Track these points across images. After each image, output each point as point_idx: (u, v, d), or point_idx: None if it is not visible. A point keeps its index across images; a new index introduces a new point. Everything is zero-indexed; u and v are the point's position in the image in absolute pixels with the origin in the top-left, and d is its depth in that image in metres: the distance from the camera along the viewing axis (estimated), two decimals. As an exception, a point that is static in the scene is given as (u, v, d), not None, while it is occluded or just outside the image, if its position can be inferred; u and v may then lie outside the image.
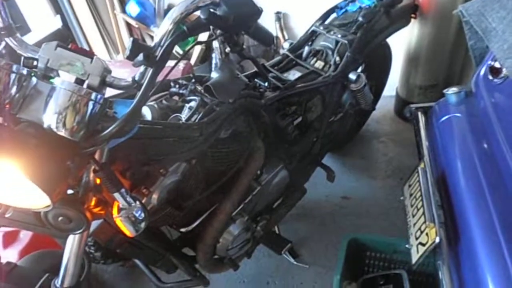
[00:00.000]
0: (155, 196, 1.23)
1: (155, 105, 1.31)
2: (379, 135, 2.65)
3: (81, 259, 1.12)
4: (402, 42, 2.47)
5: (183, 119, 1.27)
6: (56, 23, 2.40)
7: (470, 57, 2.37)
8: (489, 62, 1.50)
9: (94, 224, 1.14)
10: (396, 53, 2.38)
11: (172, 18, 0.88)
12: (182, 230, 1.49)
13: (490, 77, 1.47)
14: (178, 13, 0.88)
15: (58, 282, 1.13)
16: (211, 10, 0.93)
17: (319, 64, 1.85)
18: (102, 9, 2.84)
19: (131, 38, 0.88)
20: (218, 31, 1.04)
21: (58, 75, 0.91)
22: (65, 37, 2.00)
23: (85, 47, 3.00)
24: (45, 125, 0.81)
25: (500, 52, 1.35)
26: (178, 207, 1.33)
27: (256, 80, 1.63)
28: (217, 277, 1.88)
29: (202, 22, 0.93)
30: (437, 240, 1.21)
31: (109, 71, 0.96)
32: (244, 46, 1.15)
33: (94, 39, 2.95)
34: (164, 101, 1.34)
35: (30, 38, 1.83)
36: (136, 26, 2.81)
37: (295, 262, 1.90)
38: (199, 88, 1.36)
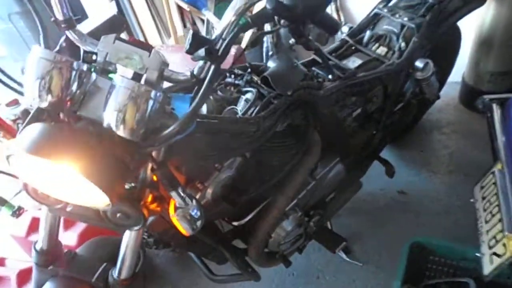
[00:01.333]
0: (209, 191, 1.20)
1: (210, 97, 1.26)
2: (441, 125, 2.46)
3: (137, 253, 1.12)
4: (472, 23, 2.23)
5: (239, 112, 1.22)
6: (111, 9, 2.41)
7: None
8: None
9: (150, 218, 1.13)
10: (465, 35, 2.16)
11: (235, 8, 0.81)
12: (235, 223, 1.46)
13: None
14: (242, 3, 0.81)
15: (115, 273, 1.14)
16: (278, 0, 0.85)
17: (382, 50, 1.71)
18: (154, -7, 2.84)
19: (191, 31, 0.82)
20: (283, 21, 0.96)
21: (116, 69, 0.88)
22: (120, 23, 2.01)
23: (138, 31, 3.02)
24: (104, 124, 0.78)
25: None
26: (232, 202, 1.29)
27: (314, 68, 1.53)
28: (267, 269, 1.85)
29: (268, 13, 0.85)
30: (519, 253, 1.09)
31: (167, 65, 0.92)
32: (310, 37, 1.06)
33: (147, 23, 2.97)
34: (219, 92, 1.29)
35: (87, 25, 1.84)
36: (188, 9, 2.77)
37: (347, 259, 1.83)
38: (255, 78, 1.29)
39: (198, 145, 1.07)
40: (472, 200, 1.44)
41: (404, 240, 1.86)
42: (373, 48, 1.73)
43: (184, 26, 2.97)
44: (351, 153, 1.69)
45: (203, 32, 2.90)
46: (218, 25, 0.84)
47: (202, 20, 2.86)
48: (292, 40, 1.11)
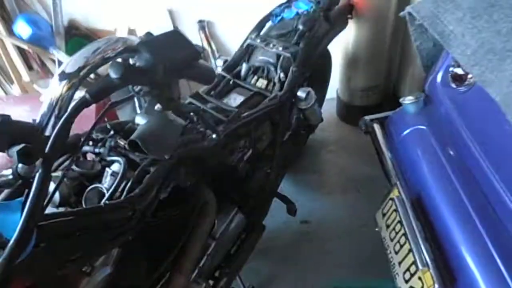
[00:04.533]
0: (80, 304, 0.90)
1: (64, 178, 0.95)
2: (326, 144, 2.49)
3: None
4: (339, 43, 2.31)
5: (106, 192, 0.94)
6: None
7: (406, 53, 2.32)
8: (450, 68, 1.36)
9: None
10: (334, 55, 2.23)
11: (64, 79, 0.56)
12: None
13: (453, 85, 1.33)
14: (74, 70, 0.56)
15: None
16: (127, 62, 0.62)
17: (262, 83, 1.60)
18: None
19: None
20: (141, 88, 0.74)
21: None
22: None
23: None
24: None
25: (464, 59, 1.21)
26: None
27: (191, 113, 1.33)
28: None
29: (114, 83, 0.62)
30: (437, 287, 1.04)
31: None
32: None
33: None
34: (75, 167, 0.99)
35: None
36: (31, 50, 2.32)
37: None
38: (121, 143, 1.03)
39: (50, 257, 0.77)
40: (377, 229, 1.40)
41: (315, 275, 1.79)
42: (252, 81, 1.62)
43: (30, 68, 2.49)
44: (249, 198, 1.52)
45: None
46: (44, 98, 0.57)
47: (53, 61, 2.43)
48: (158, 107, 0.89)
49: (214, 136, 1.09)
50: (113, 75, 0.60)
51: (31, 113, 1.92)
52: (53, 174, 0.96)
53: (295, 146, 1.88)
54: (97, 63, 0.58)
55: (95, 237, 0.84)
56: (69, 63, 0.59)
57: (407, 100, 1.53)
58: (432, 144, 1.37)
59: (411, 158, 1.42)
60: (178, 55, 0.67)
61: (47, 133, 0.58)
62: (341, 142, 2.49)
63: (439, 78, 1.45)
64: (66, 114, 0.56)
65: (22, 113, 1.97)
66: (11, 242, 0.55)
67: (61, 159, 1.00)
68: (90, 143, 1.04)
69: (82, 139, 1.04)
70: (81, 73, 0.57)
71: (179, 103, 0.85)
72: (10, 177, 0.58)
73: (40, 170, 0.54)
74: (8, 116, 0.55)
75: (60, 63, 2.33)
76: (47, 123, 0.58)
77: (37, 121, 0.60)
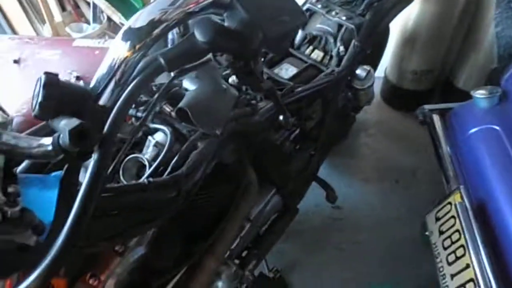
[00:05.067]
0: (110, 283, 0.81)
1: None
2: (366, 126, 2.33)
3: None
4: (397, 19, 2.08)
5: (147, 164, 0.83)
6: None
7: (471, 38, 2.09)
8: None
9: None
10: (390, 32, 2.02)
11: (131, 36, 0.42)
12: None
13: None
14: (145, 27, 0.42)
15: None
16: (218, 21, 0.48)
17: (317, 54, 1.44)
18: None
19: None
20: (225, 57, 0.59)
21: None
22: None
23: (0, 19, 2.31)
24: None
25: None
26: (146, 286, 0.91)
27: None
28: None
29: (199, 48, 0.48)
30: (501, 315, 0.92)
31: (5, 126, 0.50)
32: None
33: (12, 7, 2.27)
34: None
35: None
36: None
37: (287, 300, 1.58)
38: (167, 110, 0.90)
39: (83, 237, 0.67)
40: (427, 233, 1.28)
41: (341, 265, 1.70)
42: (307, 51, 1.45)
43: (63, 9, 2.34)
44: (289, 180, 1.40)
45: (89, 18, 2.33)
46: (104, 62, 0.44)
47: (88, 3, 2.28)
48: (233, 80, 0.75)
49: (281, 117, 0.95)
50: (199, 37, 0.46)
51: (63, 59, 1.80)
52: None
53: (342, 128, 1.73)
54: (177, 19, 0.44)
55: (133, 217, 0.74)
56: (139, 17, 0.45)
57: (479, 94, 1.35)
58: (506, 147, 1.21)
59: (478, 160, 1.26)
60: (282, 18, 0.52)
61: (102, 102, 0.46)
62: (382, 126, 2.32)
63: (525, 72, 1.27)
64: (134, 83, 0.43)
65: (54, 57, 1.85)
66: (60, 243, 0.44)
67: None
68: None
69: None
70: (155, 32, 0.43)
71: (260, 79, 0.71)
72: (50, 148, 0.46)
73: (97, 154, 0.43)
74: (56, 76, 0.43)
75: (95, 7, 2.18)
76: (103, 90, 0.46)
77: (91, 85, 0.47)
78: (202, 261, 1.05)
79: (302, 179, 1.46)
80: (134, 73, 0.46)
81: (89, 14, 2.35)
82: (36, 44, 1.88)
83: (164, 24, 0.45)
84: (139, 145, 0.89)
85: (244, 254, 1.39)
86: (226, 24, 0.50)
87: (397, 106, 2.39)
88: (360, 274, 1.66)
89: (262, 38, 0.51)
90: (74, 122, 0.39)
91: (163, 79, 1.01)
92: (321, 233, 1.82)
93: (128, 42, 0.45)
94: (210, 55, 0.76)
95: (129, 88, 0.45)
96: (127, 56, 0.45)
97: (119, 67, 0.46)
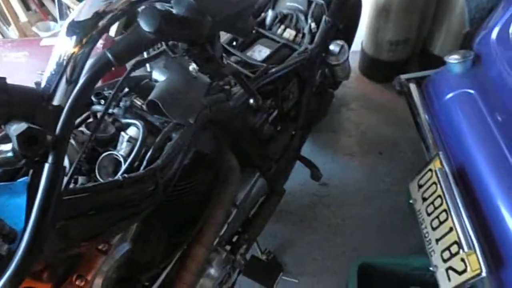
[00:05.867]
0: (98, 283, 0.80)
1: (72, 140, 0.83)
2: (347, 101, 2.33)
3: None
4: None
5: (122, 160, 0.81)
6: None
7: (442, 4, 2.09)
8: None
9: None
10: (364, 4, 2.00)
11: (75, 31, 0.41)
12: (142, 294, 1.08)
13: (516, 44, 1.16)
14: (90, 19, 0.41)
15: None
16: (164, 10, 0.46)
17: (289, 33, 1.42)
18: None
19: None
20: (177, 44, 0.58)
21: None
22: None
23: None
24: None
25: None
26: (135, 281, 0.91)
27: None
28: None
29: (146, 39, 0.46)
30: (484, 273, 0.94)
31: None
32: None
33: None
34: (85, 130, 0.86)
35: None
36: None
37: (283, 277, 1.60)
38: (138, 103, 0.88)
39: (62, 238, 0.66)
40: (411, 201, 1.30)
41: (333, 241, 1.73)
42: (279, 31, 1.43)
43: (28, 9, 2.26)
44: (272, 163, 1.41)
45: (56, 15, 2.25)
46: (51, 60, 0.43)
47: (53, 1, 2.20)
48: (193, 67, 0.73)
49: (251, 101, 0.94)
50: (144, 26, 0.45)
51: (30, 59, 1.75)
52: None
53: (321, 105, 1.73)
54: (122, 9, 0.43)
55: (112, 214, 0.73)
56: (82, 9, 0.43)
57: (453, 59, 1.35)
58: (481, 110, 1.22)
59: (455, 125, 1.28)
60: (230, 2, 0.51)
61: (56, 102, 0.44)
62: (363, 100, 2.33)
63: (494, 34, 1.27)
64: (82, 81, 0.42)
65: (21, 59, 1.80)
66: (21, 251, 0.43)
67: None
68: (102, 101, 0.90)
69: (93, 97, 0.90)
70: (100, 23, 0.42)
71: (220, 63, 0.70)
72: (10, 154, 0.45)
73: (50, 157, 0.41)
74: (4, 80, 0.41)
75: (60, 4, 2.11)
76: (55, 89, 0.44)
77: (42, 85, 0.45)
78: (191, 251, 1.05)
79: (285, 160, 1.46)
80: (85, 68, 0.44)
81: (55, 11, 2.27)
82: (2, 47, 1.82)
83: (110, 15, 0.43)
84: (112, 142, 0.87)
85: (234, 239, 1.40)
86: (174, 11, 0.49)
87: (376, 78, 2.39)
88: (350, 249, 1.69)
89: (211, 22, 0.50)
90: (22, 127, 0.38)
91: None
92: (309, 211, 1.84)
93: (74, 37, 0.43)
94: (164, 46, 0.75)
95: (77, 86, 0.43)
96: (74, 52, 0.44)
97: (67, 63, 0.44)
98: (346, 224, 1.79)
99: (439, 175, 1.16)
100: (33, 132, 0.39)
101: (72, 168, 0.53)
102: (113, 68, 0.47)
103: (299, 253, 1.71)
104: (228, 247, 1.35)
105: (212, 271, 1.16)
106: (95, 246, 0.78)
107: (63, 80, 0.44)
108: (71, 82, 0.44)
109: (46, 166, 0.43)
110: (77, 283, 0.78)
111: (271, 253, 1.64)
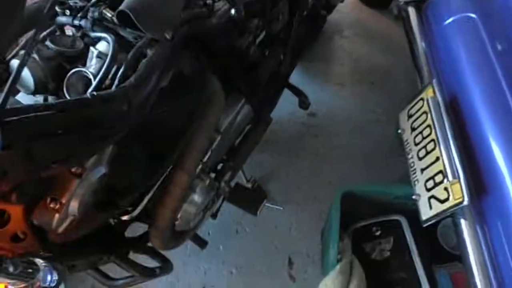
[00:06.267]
0: (73, 205, 0.78)
1: (36, 55, 0.75)
2: (341, 28, 2.21)
3: None
4: None
5: (91, 77, 0.74)
6: None
7: None
8: None
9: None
10: None
11: None
12: (124, 218, 1.08)
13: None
14: None
15: None
16: None
17: None
18: None
19: None
20: None
21: None
22: None
23: None
24: None
25: None
26: (113, 206, 0.89)
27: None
28: (176, 235, 1.57)
29: None
30: (466, 201, 0.95)
31: None
32: None
33: None
34: (50, 43, 0.78)
35: None
36: None
37: (266, 204, 1.62)
38: (108, 14, 0.79)
39: (26, 160, 0.62)
40: (399, 131, 1.27)
41: (319, 170, 1.73)
42: None
43: None
44: (258, 88, 1.34)
45: None
46: None
47: None
48: None
49: (233, 11, 0.86)
50: None
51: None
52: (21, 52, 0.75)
53: (312, 29, 1.63)
54: None
55: (82, 135, 0.68)
56: None
57: (457, -21, 1.25)
58: (481, 37, 1.15)
59: (452, 52, 1.21)
60: None
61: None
62: (357, 27, 2.21)
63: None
64: None
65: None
66: None
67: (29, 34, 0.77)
68: (67, 12, 0.81)
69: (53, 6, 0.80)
70: None
71: None
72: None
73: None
74: None
75: None
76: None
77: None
78: (173, 177, 1.03)
79: (272, 87, 1.40)
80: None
81: None
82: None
83: None
84: (82, 59, 0.79)
85: (219, 167, 1.38)
86: None
87: (372, 3, 2.25)
88: (336, 178, 1.71)
89: None
90: None
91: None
92: (297, 141, 1.82)
93: None
94: None
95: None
96: None
97: None
98: (333, 154, 1.78)
99: (430, 104, 1.12)
100: None
101: (11, 79, 0.47)
102: None
103: (284, 182, 1.72)
104: (212, 175, 1.34)
105: (196, 197, 1.15)
106: (67, 168, 0.74)
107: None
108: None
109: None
110: (51, 205, 0.76)
111: (256, 181, 1.65)
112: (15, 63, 0.72)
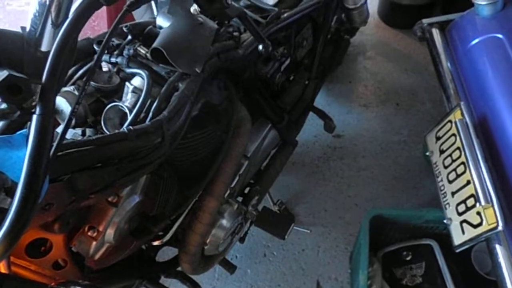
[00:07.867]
0: (110, 233, 0.82)
1: (75, 92, 0.80)
2: (365, 49, 2.22)
3: None
4: None
5: (126, 110, 0.79)
6: None
7: None
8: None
9: None
10: None
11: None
12: (156, 243, 1.11)
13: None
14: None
15: None
16: None
17: (303, -26, 1.31)
18: None
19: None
20: None
21: None
22: None
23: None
24: None
25: None
26: (147, 232, 0.92)
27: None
28: (204, 258, 1.58)
29: None
30: (500, 227, 0.92)
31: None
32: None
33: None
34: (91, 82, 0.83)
35: None
36: None
37: (295, 228, 1.62)
38: (142, 51, 0.84)
39: (70, 191, 0.66)
40: (427, 154, 1.25)
41: (346, 192, 1.72)
42: (292, -28, 1.32)
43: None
44: (284, 113, 1.37)
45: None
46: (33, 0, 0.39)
47: None
48: (195, 8, 0.67)
49: (260, 47, 0.89)
50: None
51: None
52: (64, 89, 0.81)
53: (336, 53, 1.65)
54: None
55: (119, 167, 0.71)
56: None
57: (482, 0, 1.24)
58: (510, 57, 1.14)
59: (479, 73, 1.20)
60: None
61: (44, 47, 0.41)
62: (381, 48, 2.22)
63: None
64: (67, 23, 0.38)
65: (25, 7, 1.74)
66: (14, 205, 0.42)
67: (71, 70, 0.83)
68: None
69: (95, 45, 0.86)
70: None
71: (224, 3, 0.64)
72: (3, 106, 0.43)
73: (38, 107, 0.39)
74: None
75: None
76: (41, 33, 0.40)
77: (28, 29, 0.42)
78: (202, 203, 1.06)
79: (297, 110, 1.42)
80: (71, 8, 0.40)
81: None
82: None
83: None
84: (117, 93, 0.84)
85: (246, 191, 1.40)
86: None
87: (396, 24, 2.26)
88: (363, 200, 1.69)
89: None
90: (3, 74, 0.35)
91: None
92: (323, 163, 1.82)
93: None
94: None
95: (62, 29, 0.39)
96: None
97: (51, 3, 0.40)
98: (360, 175, 1.77)
99: (459, 126, 1.10)
100: (15, 80, 0.36)
101: (67, 119, 0.50)
102: (104, 7, 0.43)
103: (311, 204, 1.72)
104: (240, 199, 1.36)
105: (224, 221, 1.17)
106: (105, 198, 0.78)
107: (49, 23, 0.40)
108: (58, 25, 0.40)
109: (34, 117, 0.41)
110: (89, 233, 0.80)
111: (283, 204, 1.65)
112: (59, 100, 0.77)
